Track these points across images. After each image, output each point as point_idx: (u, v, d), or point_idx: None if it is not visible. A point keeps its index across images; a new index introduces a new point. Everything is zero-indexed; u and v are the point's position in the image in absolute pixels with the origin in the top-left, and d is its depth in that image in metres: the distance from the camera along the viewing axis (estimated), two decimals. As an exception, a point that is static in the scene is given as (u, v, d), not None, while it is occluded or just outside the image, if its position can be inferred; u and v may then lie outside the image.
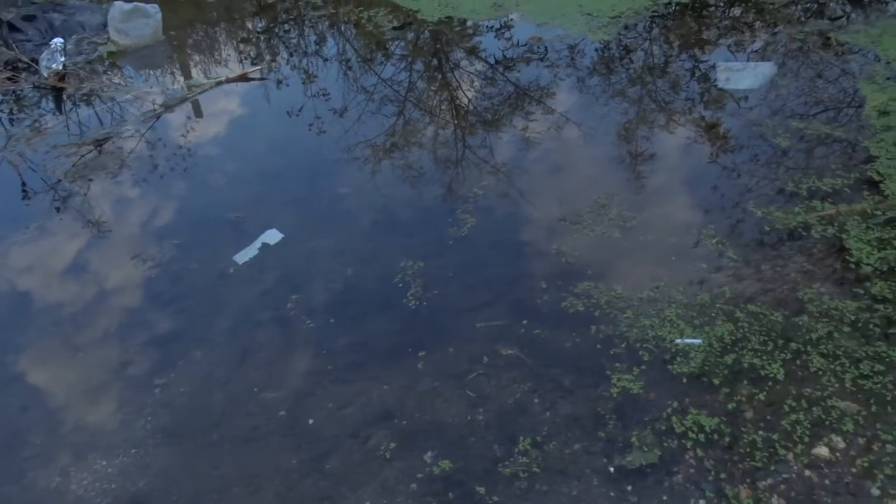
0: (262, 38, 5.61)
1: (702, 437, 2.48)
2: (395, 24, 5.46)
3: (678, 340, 2.82)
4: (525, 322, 3.00)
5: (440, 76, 4.94)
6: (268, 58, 5.27)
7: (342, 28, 5.64)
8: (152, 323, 3.18)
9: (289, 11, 5.87)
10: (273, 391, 2.86)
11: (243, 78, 4.93)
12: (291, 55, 5.31)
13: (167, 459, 2.62)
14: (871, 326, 2.84)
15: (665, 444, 2.47)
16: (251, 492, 2.49)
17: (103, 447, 2.68)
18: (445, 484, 2.44)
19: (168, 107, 4.61)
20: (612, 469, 2.42)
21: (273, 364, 2.98)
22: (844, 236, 3.28)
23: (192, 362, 3.00)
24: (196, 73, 5.09)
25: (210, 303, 3.28)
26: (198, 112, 4.64)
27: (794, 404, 2.56)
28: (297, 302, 3.21)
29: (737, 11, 5.54)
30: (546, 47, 5.10)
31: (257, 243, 3.61)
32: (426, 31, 5.45)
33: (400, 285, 3.21)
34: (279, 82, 4.98)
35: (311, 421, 2.73)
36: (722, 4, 5.64)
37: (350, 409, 2.76)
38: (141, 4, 5.25)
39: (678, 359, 2.75)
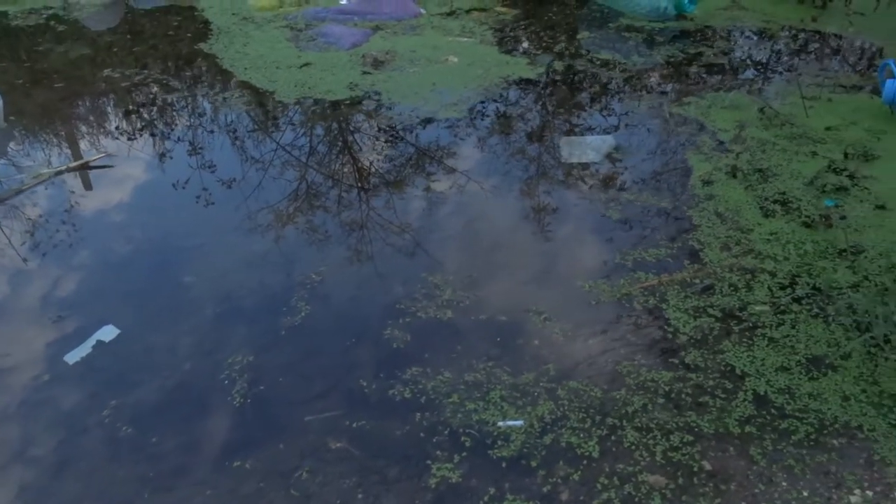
0: (111, 122, 5.50)
1: (516, 523, 2.50)
2: (245, 110, 5.48)
3: (500, 423, 2.86)
4: (355, 412, 2.98)
5: (287, 158, 4.96)
6: (116, 143, 5.16)
7: (197, 110, 5.60)
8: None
9: (143, 94, 5.80)
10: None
11: (85, 166, 4.80)
12: (142, 139, 5.22)
13: None
14: (683, 396, 2.97)
15: (480, 534, 2.48)
16: None
17: None
18: None
19: (2, 200, 4.43)
20: (425, 565, 2.41)
21: (93, 474, 2.83)
22: (664, 306, 3.45)
23: (2, 479, 2.81)
24: (37, 162, 4.93)
25: (30, 409, 3.10)
26: (37, 202, 4.48)
27: (606, 482, 2.63)
28: (121, 405, 3.09)
29: (582, 86, 5.85)
30: (396, 127, 5.22)
31: (91, 341, 3.48)
32: (280, 112, 5.49)
33: (226, 382, 3.14)
34: (128, 167, 4.88)
35: (126, 535, 2.60)
36: (568, 80, 5.94)
37: (169, 519, 2.65)
38: (-21, 97, 5.09)
39: (499, 442, 2.79)
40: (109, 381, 3.24)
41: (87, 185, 4.69)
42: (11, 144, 5.13)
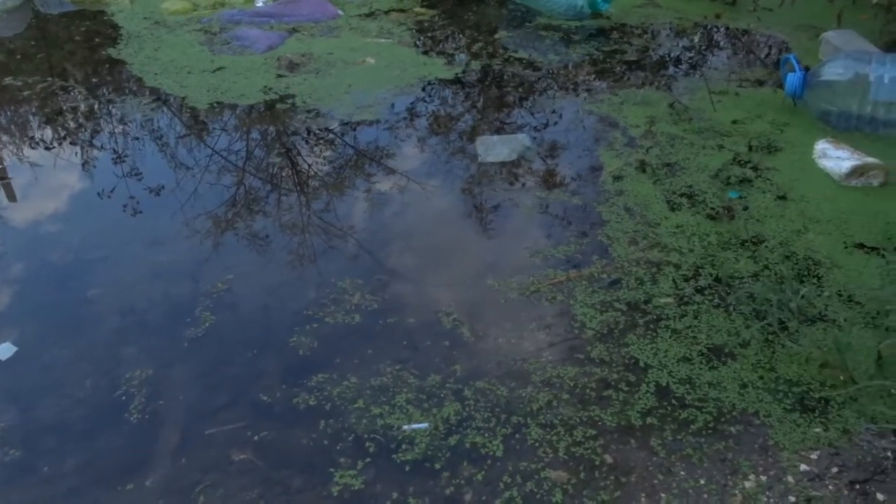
0: (10, 133, 5.28)
1: (418, 527, 2.49)
2: (149, 116, 5.34)
3: (405, 427, 2.84)
4: (259, 423, 2.92)
5: (192, 165, 4.85)
6: (15, 154, 4.96)
7: (102, 117, 5.42)
8: None
9: (45, 102, 5.58)
10: (-24, 534, 2.59)
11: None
12: (41, 149, 5.03)
13: None
14: (587, 391, 3.00)
15: (381, 541, 2.45)
16: None
17: None
18: None
19: None
20: (325, 576, 2.37)
21: (-18, 502, 2.71)
22: (572, 302, 3.48)
23: None
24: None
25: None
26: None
27: (509, 481, 2.63)
28: (11, 427, 2.96)
29: (498, 85, 5.88)
30: (309, 130, 5.15)
31: (-14, 360, 3.33)
32: (188, 118, 5.36)
33: (123, 398, 3.04)
34: (27, 179, 4.69)
35: (14, 564, 2.49)
36: (484, 79, 5.97)
37: (61, 545, 2.55)
38: None
39: (403, 446, 2.77)
40: (2, 402, 3.10)
41: (-16, 199, 4.49)
42: None
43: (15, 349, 3.41)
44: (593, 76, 6.06)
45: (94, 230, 4.22)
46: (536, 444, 2.76)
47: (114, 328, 3.48)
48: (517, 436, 2.80)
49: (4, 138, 5.20)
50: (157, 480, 2.75)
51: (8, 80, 5.85)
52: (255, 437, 2.86)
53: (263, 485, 2.69)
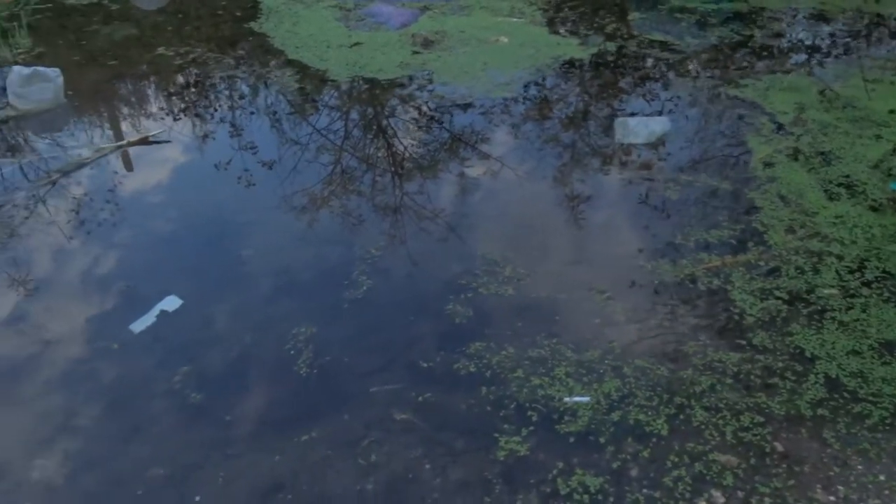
0: (167, 99, 5.56)
1: (586, 497, 2.49)
2: (301, 86, 5.50)
3: (567, 399, 2.85)
4: (420, 385, 2.99)
5: (345, 136, 4.97)
6: (172, 119, 5.22)
7: (250, 88, 5.64)
8: (34, 401, 3.04)
9: (197, 72, 5.85)
10: (160, 468, 2.76)
11: (144, 141, 4.86)
12: (197, 116, 5.27)
13: (39, 550, 2.50)
14: (752, 378, 2.93)
15: (550, 507, 2.48)
16: (126, 581, 2.38)
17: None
18: (329, 561, 2.39)
19: (64, 172, 4.51)
20: (497, 536, 2.41)
21: (162, 439, 2.88)
22: (729, 287, 3.40)
23: (77, 443, 2.87)
24: (97, 137, 5.00)
25: (101, 376, 3.16)
26: (97, 176, 4.55)
27: (676, 460, 2.60)
28: (189, 372, 3.13)
29: (634, 67, 5.77)
30: (449, 105, 5.19)
31: (155, 311, 3.52)
32: (333, 91, 5.50)
33: (292, 352, 3.16)
34: (185, 143, 4.93)
35: (197, 498, 2.64)
36: (620, 61, 5.87)
37: (239, 483, 2.68)
38: (41, 69, 5.15)
39: (566, 418, 2.78)
40: (175, 350, 3.28)
41: (144, 161, 4.75)
42: (71, 119, 5.21)
43: (181, 302, 3.59)
44: (734, 60, 5.86)
45: (242, 195, 4.36)
46: (702, 427, 2.72)
47: (271, 287, 3.62)
48: (681, 416, 2.77)
49: (160, 104, 5.47)
50: (324, 433, 2.85)
51: (160, 49, 6.15)
52: (417, 398, 2.92)
53: (426, 445, 2.76)
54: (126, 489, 2.68)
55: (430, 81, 5.51)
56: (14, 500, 2.65)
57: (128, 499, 2.64)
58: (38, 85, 5.15)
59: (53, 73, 5.20)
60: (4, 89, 5.26)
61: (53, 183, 4.40)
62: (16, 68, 5.15)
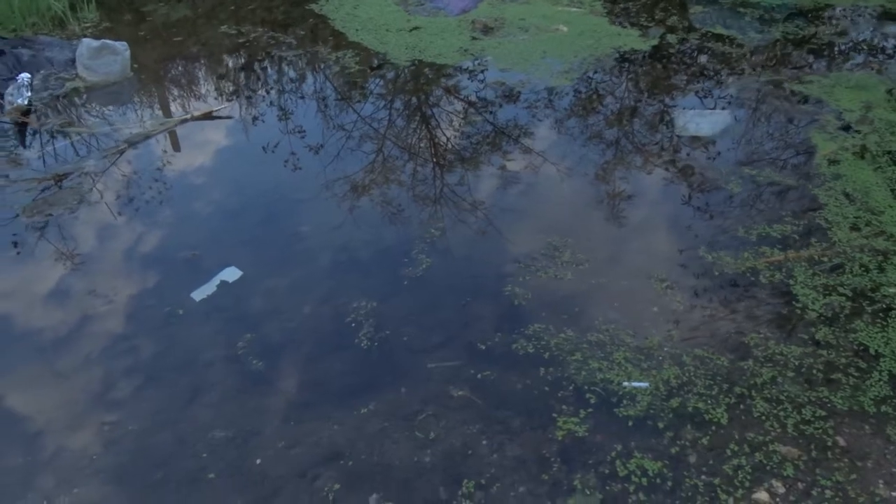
0: (230, 76, 5.66)
1: (644, 480, 2.50)
2: (373, 64, 5.55)
3: (625, 384, 2.85)
4: (477, 363, 3.01)
5: (406, 118, 5.01)
6: (235, 96, 5.31)
7: (311, 68, 5.71)
8: (103, 360, 3.15)
9: (259, 50, 5.94)
10: (221, 430, 2.84)
11: (208, 116, 4.96)
12: (259, 93, 5.36)
13: (109, 500, 2.58)
14: (814, 372, 2.90)
15: (608, 488, 2.48)
16: (192, 534, 2.46)
17: (45, 487, 2.63)
18: (388, 527, 2.44)
19: (131, 143, 4.62)
20: (554, 512, 2.43)
21: (223, 403, 2.96)
22: (791, 282, 3.36)
23: (142, 401, 2.96)
24: (161, 111, 5.12)
25: (163, 341, 3.25)
26: (162, 149, 4.66)
27: (736, 449, 2.59)
28: (250, 340, 3.20)
29: (695, 60, 5.70)
30: (507, 92, 5.20)
31: (215, 280, 3.60)
32: (395, 74, 5.54)
33: (353, 325, 3.21)
34: (247, 120, 5.01)
35: (258, 461, 2.71)
36: (681, 53, 5.81)
37: (298, 450, 2.75)
38: (109, 42, 5.28)
39: (624, 402, 2.78)
40: (235, 319, 3.35)
41: (206, 136, 4.84)
42: (136, 92, 5.33)
43: (240, 273, 3.67)
44: (797, 56, 5.75)
45: (299, 172, 4.42)
46: (763, 418, 2.70)
47: (330, 262, 3.68)
48: (742, 406, 2.75)
49: (223, 81, 5.57)
50: (381, 405, 2.90)
51: (223, 28, 6.25)
52: (476, 376, 2.95)
53: (484, 421, 2.79)
54: (190, 449, 2.76)
55: (489, 68, 5.51)
56: (87, 453, 2.75)
57: (192, 458, 2.72)
58: (106, 58, 5.28)
59: (121, 46, 5.32)
60: (74, 61, 5.40)
61: (121, 153, 4.52)
62: (85, 41, 5.29)
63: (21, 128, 4.76)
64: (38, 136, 4.72)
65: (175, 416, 2.90)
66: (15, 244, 3.81)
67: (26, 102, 4.91)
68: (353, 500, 2.53)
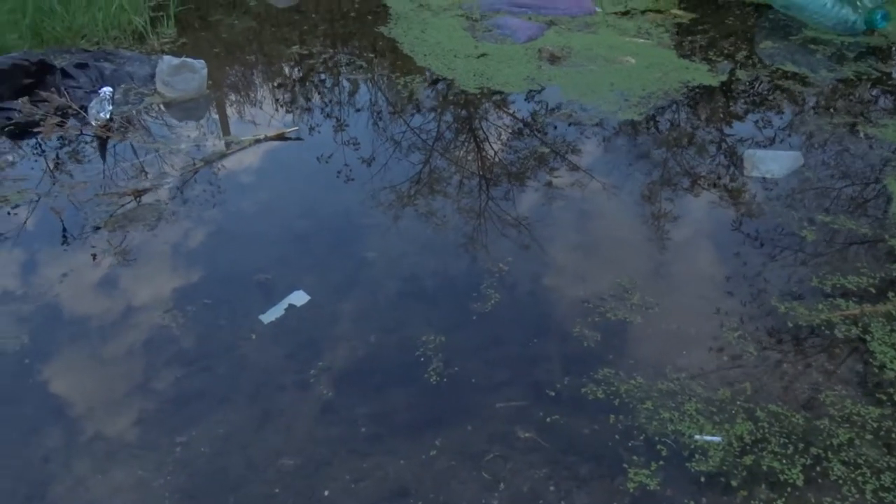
0: (301, 97, 5.77)
1: (717, 540, 2.47)
2: (430, 86, 5.62)
3: (697, 437, 2.82)
4: (544, 405, 3.01)
5: (472, 146, 5.05)
6: (306, 117, 5.42)
7: (380, 91, 5.79)
8: (175, 379, 3.23)
9: (329, 71, 6.05)
10: (290, 458, 2.88)
11: (280, 137, 5.07)
12: (329, 116, 5.46)
13: (183, 523, 2.65)
14: (893, 435, 2.83)
15: (680, 546, 2.46)
16: (263, 563, 2.50)
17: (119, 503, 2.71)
18: (457, 570, 2.44)
19: (207, 162, 4.74)
20: (625, 568, 2.42)
21: (292, 430, 3.01)
22: (868, 338, 3.29)
23: (213, 423, 3.03)
24: (235, 130, 5.24)
25: (234, 362, 3.32)
26: (234, 168, 4.77)
27: (812, 512, 2.55)
28: (319, 368, 3.25)
29: (765, 98, 5.63)
30: (573, 123, 5.20)
31: (284, 304, 3.67)
32: (461, 101, 5.59)
33: (421, 359, 3.24)
34: (317, 142, 5.11)
35: (326, 492, 2.74)
36: (751, 90, 5.74)
37: (365, 483, 2.78)
38: (189, 60, 5.44)
39: (696, 456, 2.75)
40: (304, 345, 3.41)
41: (277, 157, 4.95)
42: (211, 110, 5.48)
43: (308, 297, 3.73)
44: (872, 98, 5.64)
45: (366, 198, 4.47)
46: (840, 482, 2.65)
47: (397, 291, 3.71)
48: (818, 468, 2.70)
49: (295, 101, 5.69)
50: (448, 442, 2.91)
51: (295, 47, 6.39)
52: (543, 418, 2.95)
53: (551, 466, 2.78)
54: (260, 475, 2.81)
55: (558, 97, 5.52)
56: (159, 473, 2.82)
57: (262, 484, 2.77)
58: (184, 75, 5.44)
59: (199, 64, 5.48)
60: (153, 76, 5.58)
61: (196, 171, 4.64)
62: (166, 58, 5.45)
63: (102, 142, 4.92)
64: (117, 150, 4.87)
65: (245, 440, 2.96)
66: (94, 256, 3.93)
67: (108, 116, 5.08)
68: (421, 539, 2.55)
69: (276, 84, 6.01)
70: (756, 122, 5.31)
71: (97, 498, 2.73)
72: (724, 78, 5.88)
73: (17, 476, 2.83)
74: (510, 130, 5.22)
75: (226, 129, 5.23)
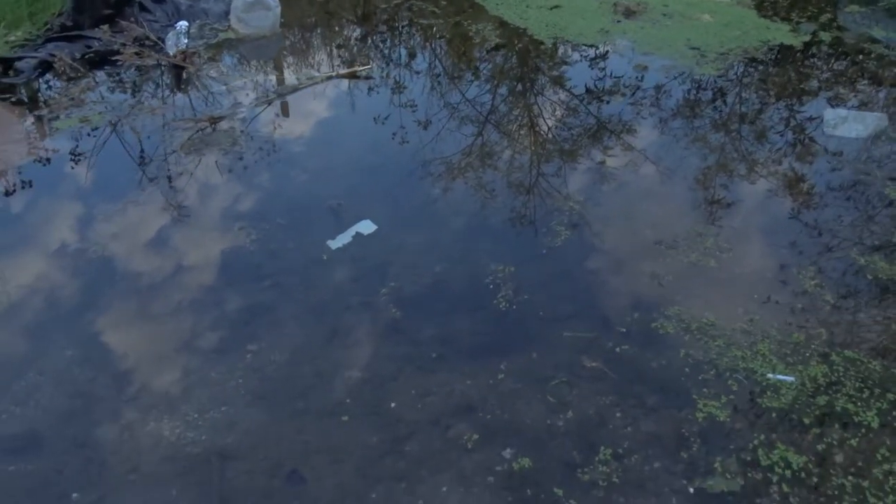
0: (371, 38, 5.78)
1: (788, 473, 2.43)
2: (497, 42, 5.56)
3: (770, 375, 2.77)
4: (613, 337, 3.00)
5: (548, 93, 5.00)
6: (377, 57, 5.42)
7: (449, 37, 5.76)
8: (248, 293, 3.29)
9: (400, 17, 6.03)
10: (357, 371, 2.93)
11: (352, 74, 5.09)
12: (399, 57, 5.46)
13: (254, 420, 2.71)
14: (974, 387, 2.74)
15: (749, 475, 2.43)
16: (332, 461, 2.55)
17: (196, 401, 2.79)
18: (523, 481, 2.46)
19: (281, 95, 4.80)
20: (692, 490, 2.40)
21: (359, 346, 3.05)
22: (952, 294, 3.18)
23: (283, 335, 3.09)
24: (308, 66, 5.28)
25: (303, 282, 3.37)
26: (307, 102, 4.82)
27: (887, 454, 2.49)
28: (385, 291, 3.28)
29: (848, 60, 5.44)
30: (652, 76, 5.10)
31: (351, 231, 3.70)
32: (535, 49, 5.53)
33: (491, 286, 3.25)
34: (388, 81, 5.12)
35: (393, 404, 2.78)
36: (834, 52, 5.55)
37: (432, 398, 2.80)
38: (264, -3, 5.49)
39: (768, 393, 2.71)
40: (372, 270, 3.43)
41: (349, 93, 4.97)
42: (284, 47, 5.52)
43: (375, 227, 3.75)
44: (963, 65, 5.40)
45: (434, 137, 4.45)
46: (918, 427, 2.58)
47: (464, 226, 3.71)
48: (895, 413, 2.63)
49: (364, 41, 5.70)
50: (513, 366, 2.92)
51: (367, -7, 6.40)
52: (612, 349, 2.93)
53: (617, 394, 2.77)
54: (328, 384, 2.86)
55: (632, 51, 5.42)
56: (233, 374, 2.89)
57: (330, 392, 2.82)
58: (258, 12, 5.49)
59: (273, 2, 5.52)
60: (227, 13, 5.64)
61: (269, 103, 4.70)
62: (242, -6, 5.51)
63: (178, 72, 5.01)
64: (193, 81, 4.96)
65: (314, 352, 3.01)
66: (169, 178, 4.02)
67: (184, 48, 5.16)
68: (487, 451, 2.57)
69: (347, 25, 6.02)
70: (837, 82, 5.13)
71: (178, 393, 2.82)
72: (806, 38, 5.69)
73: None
74: (582, 80, 5.14)
75: (299, 66, 5.27)
